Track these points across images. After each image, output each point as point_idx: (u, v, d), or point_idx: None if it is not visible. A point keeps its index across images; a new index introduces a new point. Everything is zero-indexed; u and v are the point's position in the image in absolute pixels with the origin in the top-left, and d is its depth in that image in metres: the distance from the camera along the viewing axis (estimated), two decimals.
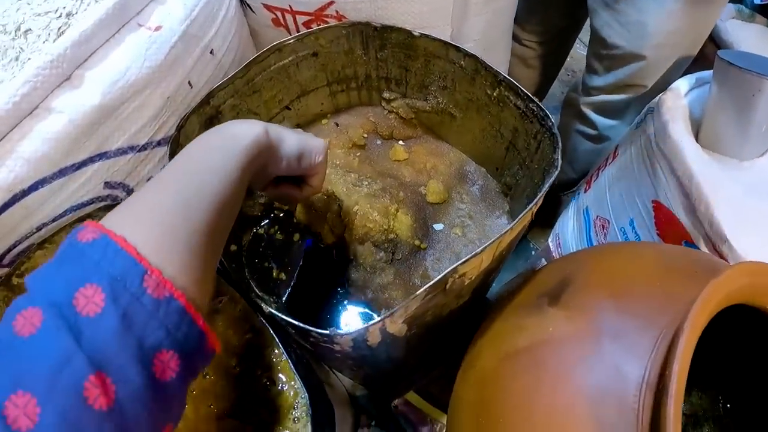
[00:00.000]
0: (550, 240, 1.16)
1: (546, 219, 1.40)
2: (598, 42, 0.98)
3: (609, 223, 0.86)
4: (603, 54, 0.98)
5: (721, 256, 0.60)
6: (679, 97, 0.75)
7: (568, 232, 1.06)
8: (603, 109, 1.08)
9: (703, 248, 0.63)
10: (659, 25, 0.86)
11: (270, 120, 0.79)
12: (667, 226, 0.70)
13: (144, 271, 0.30)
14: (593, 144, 1.16)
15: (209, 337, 0.34)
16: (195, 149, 0.42)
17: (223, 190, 0.39)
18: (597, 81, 1.04)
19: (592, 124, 1.12)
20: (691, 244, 0.65)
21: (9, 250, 0.56)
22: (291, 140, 0.50)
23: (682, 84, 0.78)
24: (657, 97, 0.80)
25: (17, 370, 0.26)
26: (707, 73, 0.77)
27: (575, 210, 1.05)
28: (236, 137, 0.43)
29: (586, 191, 1.01)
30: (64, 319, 0.27)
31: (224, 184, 0.39)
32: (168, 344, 0.31)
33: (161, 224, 0.33)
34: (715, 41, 1.28)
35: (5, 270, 0.57)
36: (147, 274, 0.30)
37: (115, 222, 0.32)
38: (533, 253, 1.40)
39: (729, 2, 1.40)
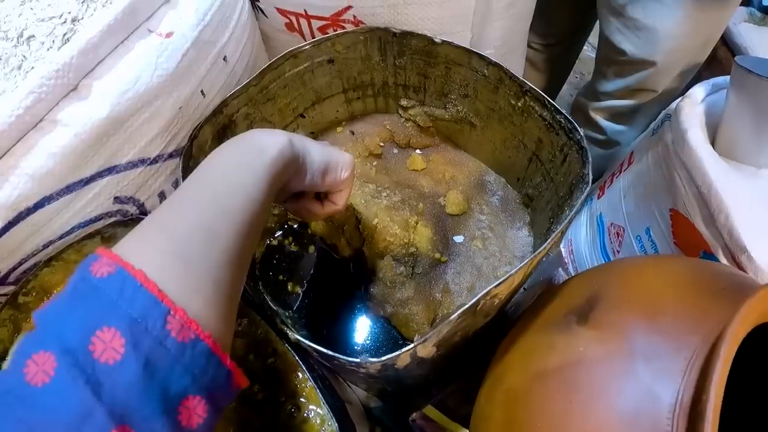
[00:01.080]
0: (562, 246, 1.16)
1: None
2: (607, 47, 0.98)
3: (624, 230, 0.86)
4: (612, 59, 0.98)
5: (740, 267, 0.61)
6: (696, 104, 0.75)
7: (581, 239, 1.06)
8: (612, 114, 1.08)
9: (722, 258, 0.63)
10: (669, 31, 0.86)
11: (284, 129, 0.77)
12: (684, 236, 0.70)
13: (167, 311, 0.28)
14: (602, 149, 1.16)
15: (236, 376, 0.32)
16: (215, 164, 0.39)
17: (248, 212, 0.36)
18: (606, 86, 1.04)
19: (600, 129, 1.12)
20: (710, 254, 0.65)
21: (14, 268, 0.54)
22: (316, 153, 0.47)
23: (699, 90, 0.77)
24: (674, 104, 0.79)
25: (32, 426, 0.24)
26: (723, 79, 0.77)
27: (588, 216, 1.05)
28: (261, 150, 0.40)
29: (599, 197, 1.01)
30: (80, 368, 0.25)
31: (249, 205, 0.36)
32: (194, 390, 0.29)
33: (183, 255, 0.31)
34: (728, 45, 1.29)
35: (11, 288, 0.55)
36: (170, 315, 0.28)
37: (131, 252, 0.30)
38: (544, 259, 1.39)
39: (740, 5, 1.41)
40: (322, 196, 0.55)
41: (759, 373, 0.54)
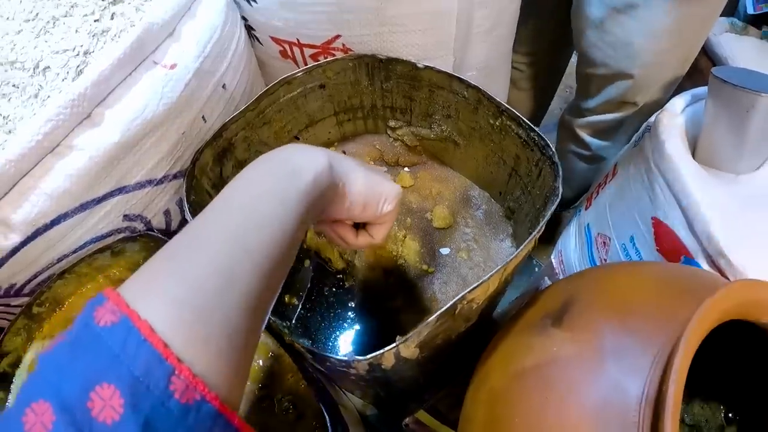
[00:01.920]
0: (552, 257, 1.17)
1: (548, 236, 1.40)
2: (586, 63, 0.98)
3: (610, 240, 0.86)
4: (591, 74, 0.99)
5: (720, 271, 0.61)
6: (676, 115, 0.76)
7: (570, 249, 1.06)
8: (596, 130, 1.08)
9: (703, 263, 0.63)
10: (645, 45, 0.86)
11: None
12: (666, 243, 0.71)
13: (171, 370, 0.26)
14: (588, 164, 1.17)
15: None
16: (242, 190, 0.35)
17: (276, 248, 0.32)
18: (588, 102, 1.04)
19: (585, 145, 1.12)
20: (691, 259, 0.66)
21: (30, 280, 0.58)
22: (358, 181, 0.42)
23: (678, 102, 0.79)
24: (653, 116, 0.80)
25: None
26: (702, 90, 0.77)
27: (577, 227, 1.05)
28: (295, 174, 0.36)
29: (586, 208, 1.01)
30: (77, 426, 0.23)
31: (277, 240, 0.33)
32: None
33: (195, 303, 0.28)
34: (708, 55, 1.28)
35: (25, 299, 0.59)
36: (174, 375, 0.26)
37: (139, 297, 0.28)
38: (536, 270, 1.41)
39: (721, 16, 1.36)
40: (359, 225, 0.50)
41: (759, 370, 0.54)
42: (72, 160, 0.52)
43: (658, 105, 0.97)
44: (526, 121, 0.66)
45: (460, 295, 0.48)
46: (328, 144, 0.90)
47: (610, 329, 0.45)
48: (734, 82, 0.63)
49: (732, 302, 0.40)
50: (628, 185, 0.82)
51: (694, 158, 0.71)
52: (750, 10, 1.40)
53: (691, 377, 0.51)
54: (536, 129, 0.64)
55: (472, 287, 0.49)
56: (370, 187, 0.43)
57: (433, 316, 0.47)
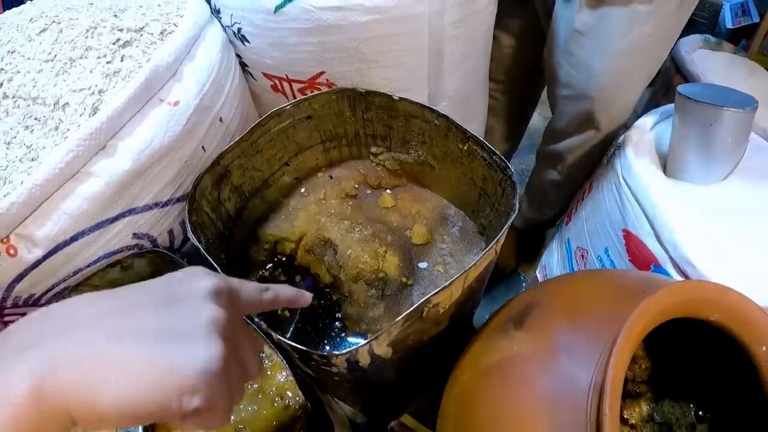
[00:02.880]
0: (537, 271, 1.23)
1: (535, 252, 1.46)
2: (552, 84, 1.02)
3: (588, 252, 0.92)
4: (557, 96, 1.01)
5: (686, 277, 0.66)
6: (645, 132, 0.82)
7: (553, 263, 1.12)
8: (564, 155, 1.09)
9: (671, 270, 0.68)
10: (604, 66, 0.88)
11: (272, 175, 0.88)
12: (637, 253, 0.75)
13: None
14: (559, 190, 1.19)
15: None
16: None
17: None
18: (555, 124, 1.06)
19: (556, 171, 1.14)
20: (659, 267, 0.70)
21: (47, 291, 0.64)
22: (105, 395, 0.25)
23: (648, 119, 0.84)
24: (623, 134, 0.85)
25: None
26: (671, 107, 0.81)
27: (558, 242, 1.11)
28: None
29: (567, 224, 1.08)
30: None
31: None
32: None
33: None
34: (682, 73, 1.31)
35: None
36: None
37: None
38: (524, 285, 1.46)
39: (695, 33, 1.43)
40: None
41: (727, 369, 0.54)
42: (89, 185, 0.59)
43: (620, 126, 0.99)
44: (489, 145, 0.72)
45: (424, 298, 0.53)
46: (316, 169, 0.95)
47: (565, 329, 0.49)
48: (699, 98, 0.68)
49: (674, 300, 0.42)
50: (602, 199, 0.87)
51: (665, 172, 0.76)
52: (729, 24, 1.47)
53: (661, 378, 0.56)
54: (497, 152, 0.71)
55: (435, 291, 0.54)
56: (144, 393, 0.25)
57: (401, 317, 0.52)
